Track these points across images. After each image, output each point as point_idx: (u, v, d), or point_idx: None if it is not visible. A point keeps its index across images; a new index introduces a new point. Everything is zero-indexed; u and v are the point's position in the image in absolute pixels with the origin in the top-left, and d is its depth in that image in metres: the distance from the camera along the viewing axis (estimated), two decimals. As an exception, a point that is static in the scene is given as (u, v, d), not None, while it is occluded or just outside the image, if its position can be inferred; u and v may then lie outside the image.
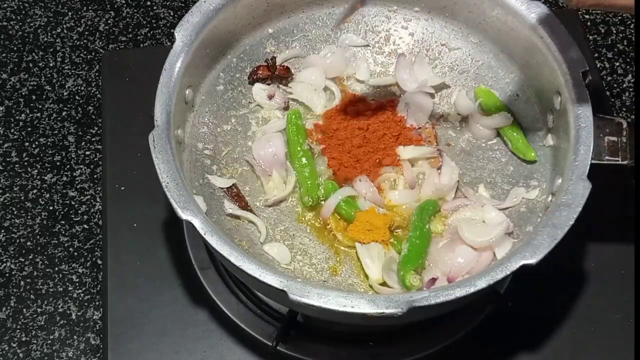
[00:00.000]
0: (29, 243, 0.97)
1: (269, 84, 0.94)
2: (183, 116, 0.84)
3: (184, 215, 0.72)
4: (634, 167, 0.80)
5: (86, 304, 0.93)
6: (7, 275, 0.94)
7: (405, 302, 0.66)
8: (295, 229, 0.85)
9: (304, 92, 0.93)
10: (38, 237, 0.97)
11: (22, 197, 1.00)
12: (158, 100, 0.79)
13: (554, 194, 0.79)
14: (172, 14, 1.16)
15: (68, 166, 1.02)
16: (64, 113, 1.07)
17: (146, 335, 0.86)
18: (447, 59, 0.95)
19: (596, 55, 1.11)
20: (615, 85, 1.09)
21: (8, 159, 1.03)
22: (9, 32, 1.14)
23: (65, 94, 1.08)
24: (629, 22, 1.15)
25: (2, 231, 0.97)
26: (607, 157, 0.79)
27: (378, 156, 0.88)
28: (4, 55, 1.12)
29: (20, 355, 0.90)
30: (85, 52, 1.12)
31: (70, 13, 1.16)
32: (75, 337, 0.91)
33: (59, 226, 0.98)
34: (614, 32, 1.14)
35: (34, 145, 1.04)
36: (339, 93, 0.94)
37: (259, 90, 0.93)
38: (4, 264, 0.95)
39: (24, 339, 0.90)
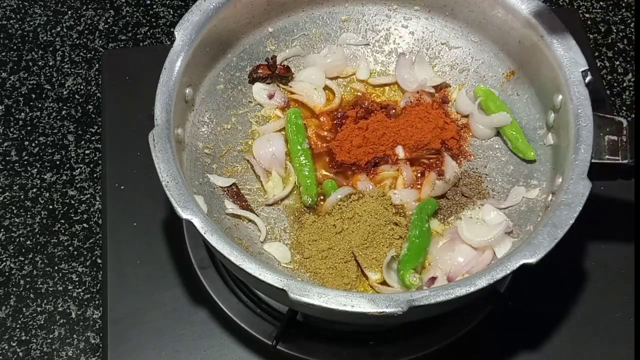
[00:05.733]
0: (28, 242, 0.96)
1: (269, 83, 0.94)
2: (183, 115, 0.84)
3: (184, 214, 0.72)
4: (634, 166, 0.80)
5: (86, 303, 0.93)
6: (7, 274, 0.94)
7: (405, 301, 0.66)
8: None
9: (304, 91, 0.93)
10: (38, 236, 0.97)
11: (22, 196, 1.00)
12: (158, 99, 0.79)
13: (554, 193, 0.79)
14: (171, 12, 1.16)
15: (68, 165, 1.02)
16: (63, 112, 1.07)
17: (146, 334, 0.86)
18: (447, 58, 0.95)
19: (596, 54, 1.11)
20: (615, 84, 1.09)
21: (7, 158, 1.03)
22: (9, 30, 1.14)
23: (64, 92, 1.08)
24: (629, 21, 1.15)
25: (2, 230, 0.97)
26: (607, 156, 0.79)
27: (378, 156, 0.88)
28: (3, 54, 1.12)
29: (20, 354, 0.90)
30: (84, 51, 1.12)
31: (69, 12, 1.16)
32: (75, 336, 0.91)
33: (59, 225, 0.98)
34: (614, 30, 1.14)
35: (33, 144, 1.04)
36: (339, 92, 0.94)
37: (259, 90, 0.93)
38: (4, 263, 0.95)
39: (23, 338, 0.90)
